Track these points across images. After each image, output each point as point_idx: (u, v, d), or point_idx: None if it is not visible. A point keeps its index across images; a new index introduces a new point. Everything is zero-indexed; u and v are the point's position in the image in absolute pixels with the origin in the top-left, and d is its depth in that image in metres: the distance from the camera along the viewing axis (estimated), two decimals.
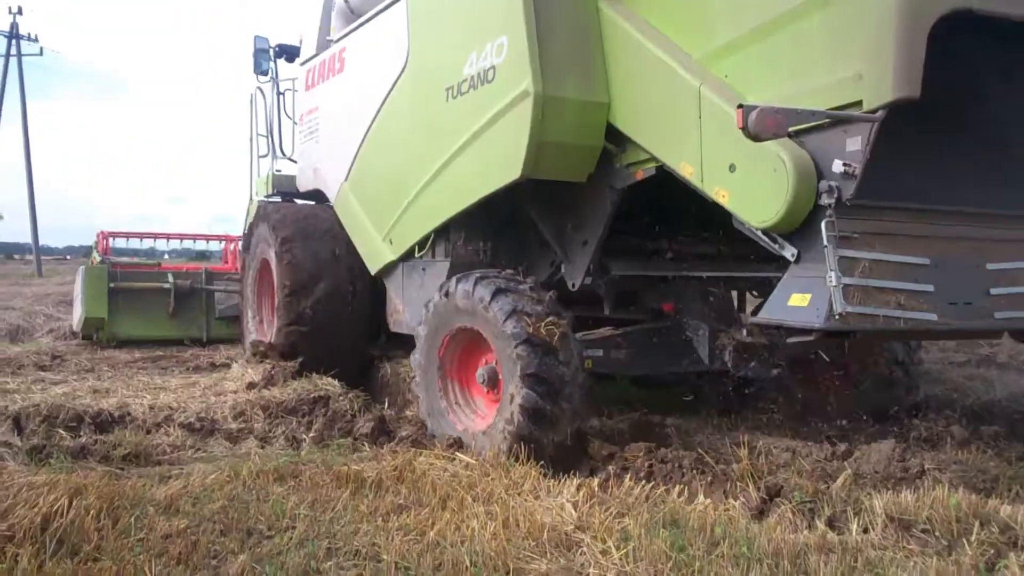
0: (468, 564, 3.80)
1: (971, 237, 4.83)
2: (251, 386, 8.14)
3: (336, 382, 7.92)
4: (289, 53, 10.82)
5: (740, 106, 4.24)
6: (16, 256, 75.77)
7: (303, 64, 10.05)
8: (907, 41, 4.04)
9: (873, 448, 5.66)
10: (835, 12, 4.40)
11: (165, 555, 3.89)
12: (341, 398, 7.33)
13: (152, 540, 4.07)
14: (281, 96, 10.88)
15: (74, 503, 4.27)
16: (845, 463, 5.53)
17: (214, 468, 5.38)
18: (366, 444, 6.30)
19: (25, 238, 45.27)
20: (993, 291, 4.71)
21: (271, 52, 10.85)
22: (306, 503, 4.70)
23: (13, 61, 41.58)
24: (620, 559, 3.85)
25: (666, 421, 6.74)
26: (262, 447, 6.33)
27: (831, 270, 4.23)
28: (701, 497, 4.82)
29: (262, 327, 9.96)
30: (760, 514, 4.58)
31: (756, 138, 4.23)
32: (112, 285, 12.15)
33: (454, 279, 6.25)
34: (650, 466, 5.33)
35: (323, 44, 9.47)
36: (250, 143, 11.13)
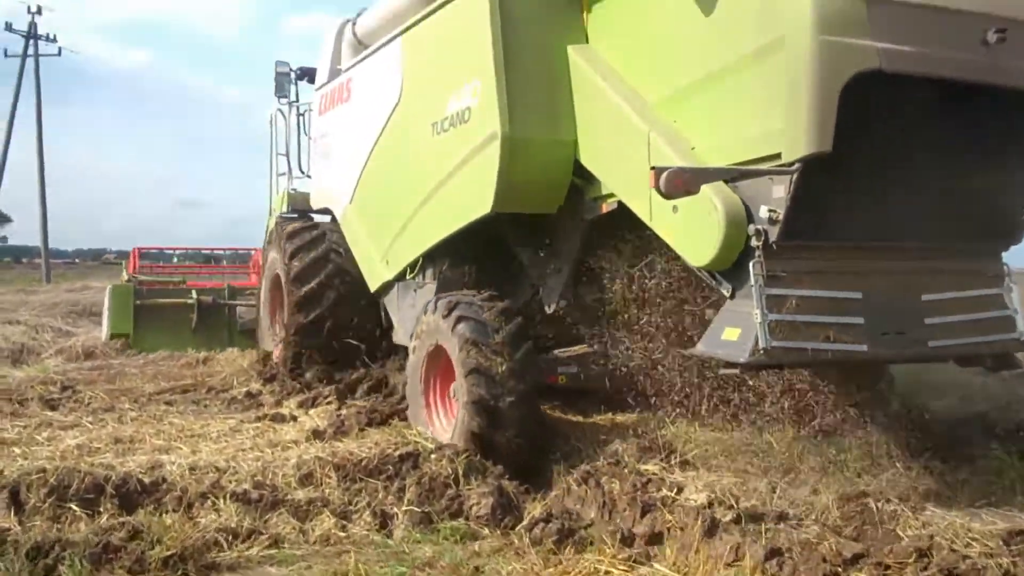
0: None
1: (905, 271, 4.89)
2: (316, 435, 6.42)
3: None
4: (311, 75, 10.57)
5: (652, 167, 4.33)
6: (24, 260, 73.93)
7: (317, 90, 9.89)
8: (819, 100, 4.12)
9: None
10: (762, 69, 4.41)
11: None
12: (435, 456, 5.43)
13: None
14: (301, 117, 10.88)
15: None
16: None
17: None
18: (487, 529, 4.58)
19: (35, 241, 43.81)
20: (928, 321, 4.77)
21: (292, 75, 10.87)
22: None
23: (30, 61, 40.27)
24: None
25: (878, 492, 4.80)
26: (342, 528, 4.60)
27: (756, 308, 4.30)
28: None
29: (276, 339, 9.82)
30: None
31: (668, 197, 4.36)
32: (138, 302, 11.98)
33: (429, 302, 6.48)
34: None
35: (334, 72, 9.40)
36: (270, 162, 11.29)
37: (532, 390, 5.80)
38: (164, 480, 5.07)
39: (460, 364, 5.78)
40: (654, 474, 5.27)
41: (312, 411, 7.37)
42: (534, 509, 4.76)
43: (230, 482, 5.12)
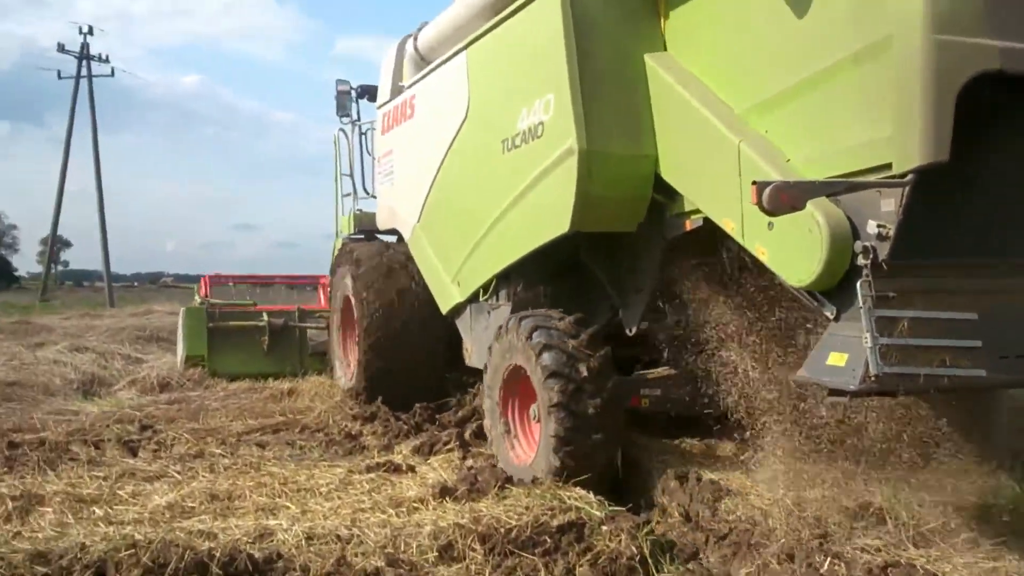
0: None
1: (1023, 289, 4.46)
2: (446, 493, 5.44)
3: (591, 496, 5.07)
4: (371, 94, 10.48)
5: (754, 182, 3.98)
6: (86, 283, 74.85)
7: (379, 108, 9.68)
8: (935, 104, 3.76)
9: None
10: (866, 72, 4.08)
11: None
12: (608, 529, 4.43)
13: None
14: (364, 136, 10.78)
15: None
16: None
17: None
18: None
19: (94, 265, 44.04)
20: None
21: (353, 94, 10.81)
22: None
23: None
24: None
25: None
26: None
27: (866, 331, 3.94)
28: None
29: (347, 363, 9.71)
30: None
31: (771, 213, 3.97)
32: (211, 325, 12.08)
33: (506, 321, 6.26)
34: None
35: (396, 89, 9.21)
36: (335, 182, 11.22)
37: (619, 418, 5.69)
38: (279, 555, 4.24)
39: (543, 392, 5.61)
40: (878, 550, 4.26)
41: (432, 460, 6.47)
42: None
43: (357, 556, 4.27)
